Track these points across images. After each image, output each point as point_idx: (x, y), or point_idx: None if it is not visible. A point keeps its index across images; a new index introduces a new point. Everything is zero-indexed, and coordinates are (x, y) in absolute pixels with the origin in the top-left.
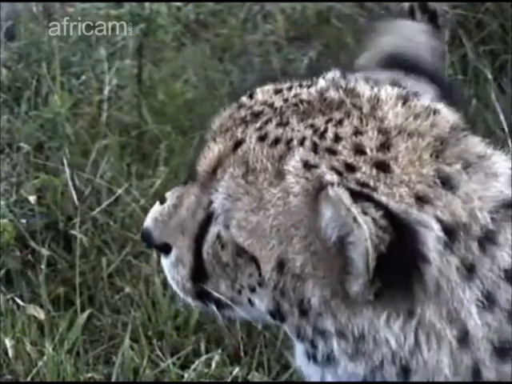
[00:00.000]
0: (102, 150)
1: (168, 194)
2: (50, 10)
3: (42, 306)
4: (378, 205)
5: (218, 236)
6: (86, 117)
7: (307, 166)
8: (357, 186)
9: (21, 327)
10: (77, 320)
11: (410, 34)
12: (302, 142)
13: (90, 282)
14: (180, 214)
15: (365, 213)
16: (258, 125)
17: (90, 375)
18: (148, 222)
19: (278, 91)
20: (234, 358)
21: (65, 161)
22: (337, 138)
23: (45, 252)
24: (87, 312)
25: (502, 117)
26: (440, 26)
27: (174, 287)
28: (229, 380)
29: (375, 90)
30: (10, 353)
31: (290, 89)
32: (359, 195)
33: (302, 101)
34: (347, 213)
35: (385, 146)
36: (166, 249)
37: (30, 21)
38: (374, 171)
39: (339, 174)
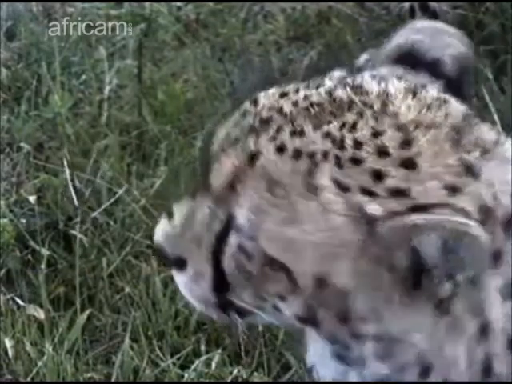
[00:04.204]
0: (102, 150)
1: (176, 208)
2: (50, 10)
3: (41, 306)
4: (456, 209)
5: (240, 247)
6: (86, 117)
7: (340, 186)
8: (390, 197)
9: (21, 327)
10: (77, 320)
11: (436, 36)
12: (325, 156)
13: (90, 282)
14: (193, 227)
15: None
16: (270, 134)
17: (90, 375)
18: (159, 236)
19: (283, 94)
20: (234, 358)
21: (65, 161)
22: (357, 144)
23: (45, 252)
24: (87, 312)
25: (495, 117)
26: None
27: (194, 303)
28: (229, 380)
29: (382, 84)
30: (10, 353)
31: (297, 91)
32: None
33: (312, 104)
34: (451, 237)
35: (406, 143)
36: (179, 263)
37: (30, 21)
38: (402, 171)
39: (370, 194)
